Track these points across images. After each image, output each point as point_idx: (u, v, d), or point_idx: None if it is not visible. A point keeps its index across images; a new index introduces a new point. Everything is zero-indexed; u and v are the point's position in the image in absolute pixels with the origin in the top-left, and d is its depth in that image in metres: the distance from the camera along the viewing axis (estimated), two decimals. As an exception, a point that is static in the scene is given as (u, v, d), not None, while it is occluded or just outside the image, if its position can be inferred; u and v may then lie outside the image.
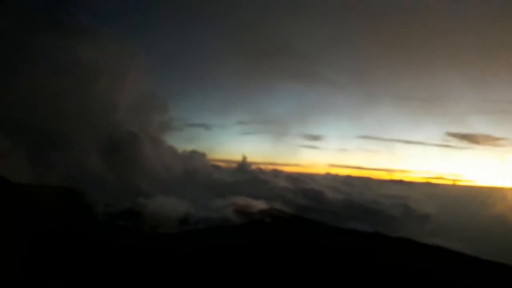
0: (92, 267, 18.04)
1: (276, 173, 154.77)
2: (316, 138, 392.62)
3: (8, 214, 24.64)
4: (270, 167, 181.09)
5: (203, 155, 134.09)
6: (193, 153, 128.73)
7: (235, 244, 26.75)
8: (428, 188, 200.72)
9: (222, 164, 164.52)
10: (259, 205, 52.68)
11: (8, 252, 16.81)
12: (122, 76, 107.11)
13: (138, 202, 47.32)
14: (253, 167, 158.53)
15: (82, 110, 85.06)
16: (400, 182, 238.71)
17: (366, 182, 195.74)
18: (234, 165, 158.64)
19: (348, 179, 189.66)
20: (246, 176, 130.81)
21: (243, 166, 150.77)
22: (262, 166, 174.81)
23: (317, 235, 31.98)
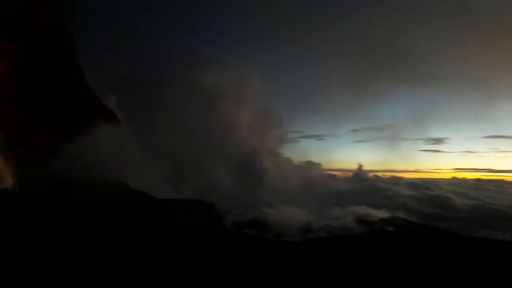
0: (224, 275, 19.68)
1: (396, 180, 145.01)
2: (438, 141, 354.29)
3: (154, 226, 28.67)
4: (389, 174, 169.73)
5: (318, 165, 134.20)
6: (309, 164, 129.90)
7: (358, 252, 26.26)
8: None
9: (337, 173, 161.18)
10: (380, 213, 50.56)
11: (154, 260, 19.60)
12: (242, 98, 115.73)
13: (262, 212, 49.39)
14: (370, 175, 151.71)
15: (210, 131, 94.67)
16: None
17: (499, 185, 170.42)
18: (350, 174, 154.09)
19: (477, 183, 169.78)
20: (363, 184, 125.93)
21: (359, 174, 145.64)
22: (380, 174, 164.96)
23: (445, 244, 29.41)
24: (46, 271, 16.22)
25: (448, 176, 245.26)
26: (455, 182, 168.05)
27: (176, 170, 72.00)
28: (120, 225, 26.88)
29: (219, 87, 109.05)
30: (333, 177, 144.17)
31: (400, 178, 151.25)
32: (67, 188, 34.67)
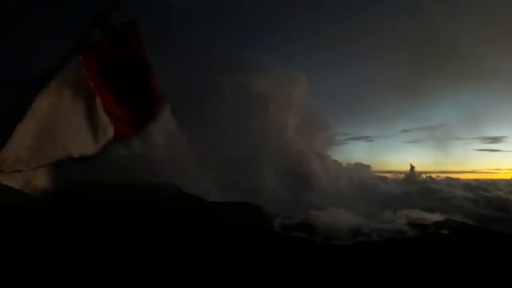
0: (273, 277, 20.04)
1: (450, 182, 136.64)
2: (496, 140, 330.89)
3: (204, 228, 29.63)
4: (442, 175, 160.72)
5: (367, 167, 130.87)
6: (358, 166, 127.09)
7: (411, 256, 25.61)
8: None
9: (388, 175, 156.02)
10: (434, 216, 48.32)
11: (204, 261, 20.34)
12: (289, 101, 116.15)
13: (310, 214, 49.12)
14: (423, 176, 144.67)
15: (258, 134, 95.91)
16: None
17: None
18: (401, 176, 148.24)
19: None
20: (415, 186, 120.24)
21: (411, 176, 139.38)
22: (433, 175, 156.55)
23: (505, 247, 27.70)
24: (104, 269, 17.42)
25: (507, 176, 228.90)
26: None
27: (226, 173, 73.75)
28: (171, 227, 28.06)
29: (266, 91, 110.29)
30: (384, 179, 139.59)
31: (455, 180, 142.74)
32: (119, 190, 36.62)
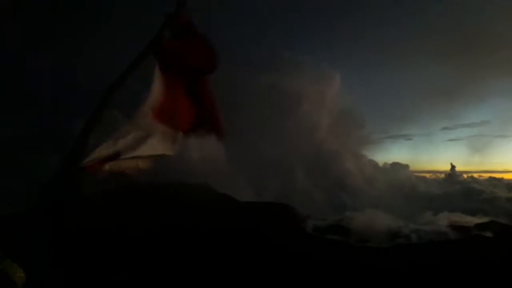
0: (305, 279, 19.58)
1: (494, 182, 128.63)
2: None
3: (236, 228, 29.49)
4: (486, 175, 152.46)
5: (405, 166, 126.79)
6: (395, 165, 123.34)
7: (452, 260, 24.30)
8: None
9: (427, 175, 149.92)
10: (476, 218, 46.14)
11: (236, 261, 20.13)
12: (322, 98, 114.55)
13: (345, 216, 48.16)
14: (465, 176, 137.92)
15: (291, 133, 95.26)
16: None
17: None
18: (442, 176, 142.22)
19: None
20: (456, 186, 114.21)
21: (452, 176, 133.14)
22: (475, 175, 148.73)
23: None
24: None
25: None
26: None
27: (258, 173, 73.62)
28: (203, 227, 28.11)
29: (299, 88, 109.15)
30: (423, 179, 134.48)
31: (499, 180, 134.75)
32: (152, 190, 37.13)
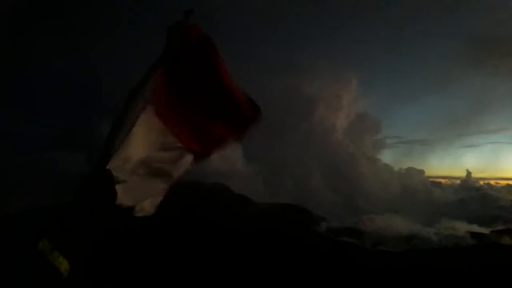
0: (317, 279, 19.85)
1: (511, 189, 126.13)
2: None
3: (250, 228, 29.96)
4: (503, 182, 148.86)
5: (421, 172, 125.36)
6: (410, 170, 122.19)
7: (468, 266, 24.20)
8: None
9: (443, 181, 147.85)
10: (493, 225, 45.34)
11: (250, 260, 20.56)
12: (338, 102, 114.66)
13: (359, 219, 48.08)
14: (481, 183, 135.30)
15: (306, 137, 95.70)
16: None
17: None
18: (457, 182, 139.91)
19: None
20: (472, 193, 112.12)
21: (467, 182, 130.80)
22: (492, 182, 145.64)
23: None
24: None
25: None
26: None
27: (274, 175, 74.10)
28: (219, 226, 28.63)
29: (315, 92, 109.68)
30: (438, 184, 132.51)
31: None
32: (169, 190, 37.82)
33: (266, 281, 18.82)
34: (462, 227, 45.56)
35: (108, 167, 1.56)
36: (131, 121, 1.73)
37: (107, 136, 1.58)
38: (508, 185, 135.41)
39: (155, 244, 21.86)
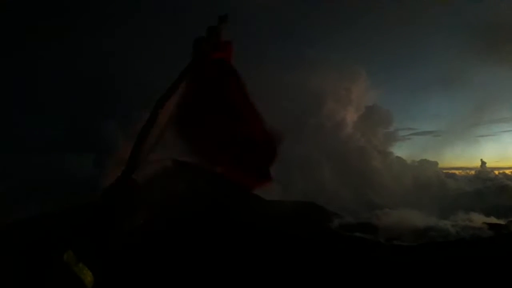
0: (330, 276, 19.74)
1: None
2: None
3: (262, 226, 29.93)
4: None
5: (434, 163, 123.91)
6: (423, 162, 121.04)
7: (484, 258, 23.78)
8: None
9: (457, 172, 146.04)
10: (509, 215, 44.57)
11: (261, 258, 20.53)
12: (348, 95, 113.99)
13: (372, 214, 47.76)
14: (496, 173, 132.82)
15: (315, 131, 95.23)
16: None
17: None
18: (472, 172, 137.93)
19: None
20: (487, 183, 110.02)
21: (482, 173, 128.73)
22: (508, 171, 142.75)
23: None
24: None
25: None
26: None
27: (284, 171, 73.92)
28: (230, 225, 28.63)
29: (324, 85, 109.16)
30: (452, 176, 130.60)
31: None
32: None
33: (280, 278, 18.81)
34: (478, 219, 45.01)
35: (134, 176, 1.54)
36: (157, 132, 1.74)
37: (133, 144, 1.56)
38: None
39: (173, 242, 21.95)
